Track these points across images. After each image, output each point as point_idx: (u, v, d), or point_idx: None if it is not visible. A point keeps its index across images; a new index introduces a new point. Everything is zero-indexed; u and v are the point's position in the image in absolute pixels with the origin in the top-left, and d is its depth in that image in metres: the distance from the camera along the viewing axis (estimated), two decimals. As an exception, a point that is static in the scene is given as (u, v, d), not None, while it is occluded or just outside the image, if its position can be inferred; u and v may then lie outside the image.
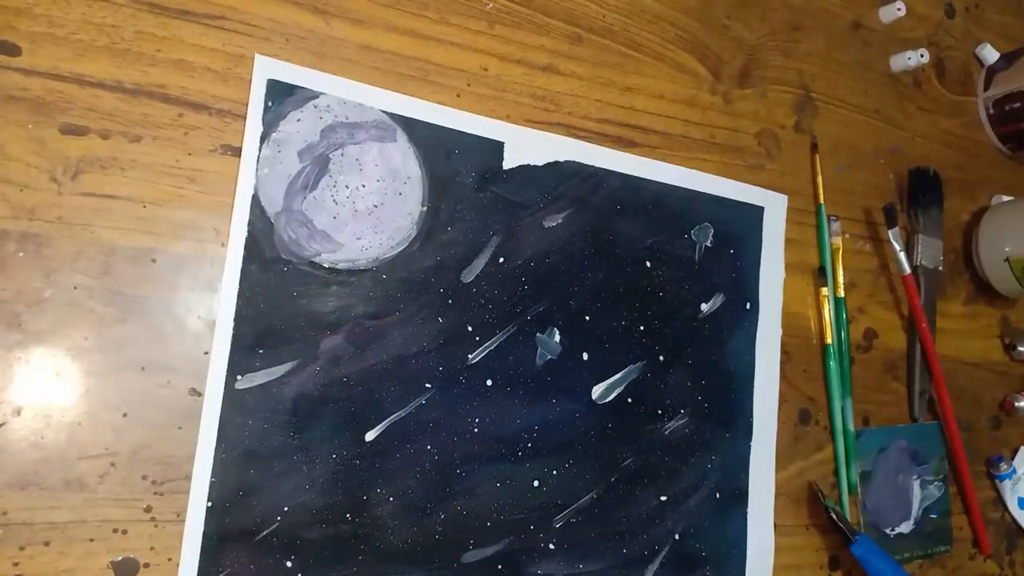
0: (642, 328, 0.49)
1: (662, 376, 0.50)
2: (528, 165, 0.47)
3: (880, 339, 0.61)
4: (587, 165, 0.48)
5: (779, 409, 0.55)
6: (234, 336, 0.38)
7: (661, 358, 0.50)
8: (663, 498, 0.49)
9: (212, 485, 0.37)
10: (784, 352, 0.56)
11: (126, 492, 0.36)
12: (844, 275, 0.58)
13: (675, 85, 0.53)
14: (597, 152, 0.49)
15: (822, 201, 0.58)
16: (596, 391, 0.47)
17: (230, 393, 0.38)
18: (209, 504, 0.37)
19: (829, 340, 0.57)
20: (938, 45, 0.67)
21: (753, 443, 0.53)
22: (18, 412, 0.35)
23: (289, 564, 0.38)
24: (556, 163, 0.48)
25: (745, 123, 0.56)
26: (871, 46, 0.63)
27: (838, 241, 0.58)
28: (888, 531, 0.58)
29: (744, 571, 0.51)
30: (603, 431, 0.47)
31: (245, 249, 0.39)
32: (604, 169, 0.49)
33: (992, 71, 0.69)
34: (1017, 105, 0.67)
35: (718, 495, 0.51)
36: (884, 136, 0.63)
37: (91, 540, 0.35)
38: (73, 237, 0.36)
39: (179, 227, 0.38)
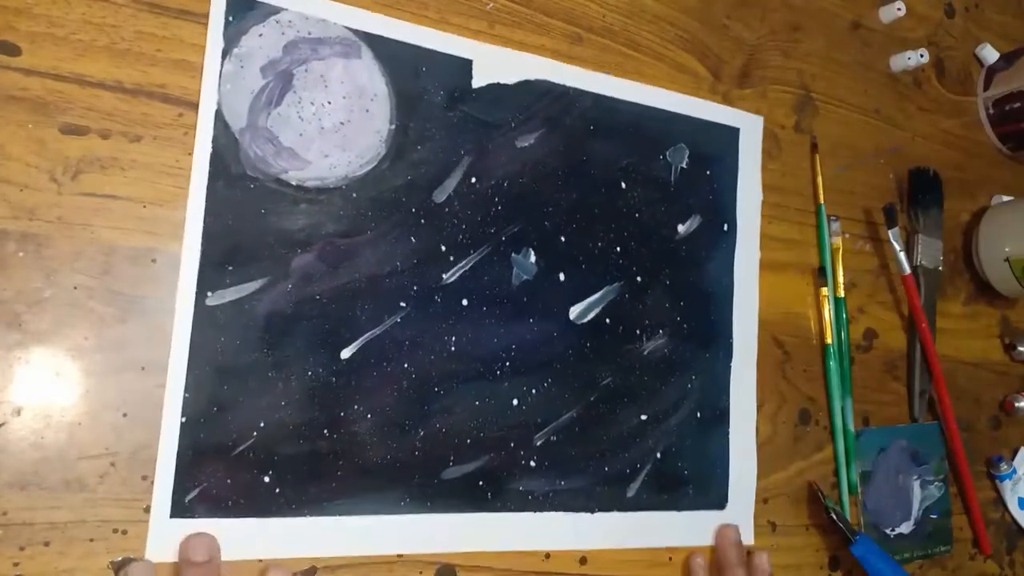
0: (619, 249, 0.49)
1: (640, 297, 0.50)
2: (498, 84, 0.46)
3: (880, 339, 0.61)
4: (559, 84, 0.48)
5: (779, 409, 0.55)
6: (203, 252, 0.38)
7: (639, 279, 0.50)
8: (643, 417, 0.49)
9: (186, 400, 0.37)
10: (784, 352, 0.56)
11: (126, 492, 0.36)
12: (844, 275, 0.58)
13: (675, 85, 0.53)
14: (569, 71, 0.49)
15: (822, 201, 0.58)
16: (573, 311, 0.48)
17: (201, 310, 0.38)
18: (183, 419, 0.37)
19: (829, 340, 0.57)
20: (938, 45, 0.67)
21: (734, 364, 0.53)
22: (18, 412, 0.35)
23: (267, 479, 0.38)
24: (527, 82, 0.47)
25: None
26: (871, 46, 0.63)
27: (838, 241, 0.58)
28: (888, 531, 0.58)
29: (727, 490, 0.52)
30: (581, 351, 0.48)
31: (211, 165, 0.39)
32: (576, 88, 0.49)
33: (992, 71, 0.69)
34: (1017, 105, 0.67)
35: (699, 415, 0.51)
36: (884, 136, 0.63)
37: (91, 540, 0.35)
38: (73, 237, 0.36)
39: (179, 227, 0.38)
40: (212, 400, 0.38)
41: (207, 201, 0.38)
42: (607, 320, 0.49)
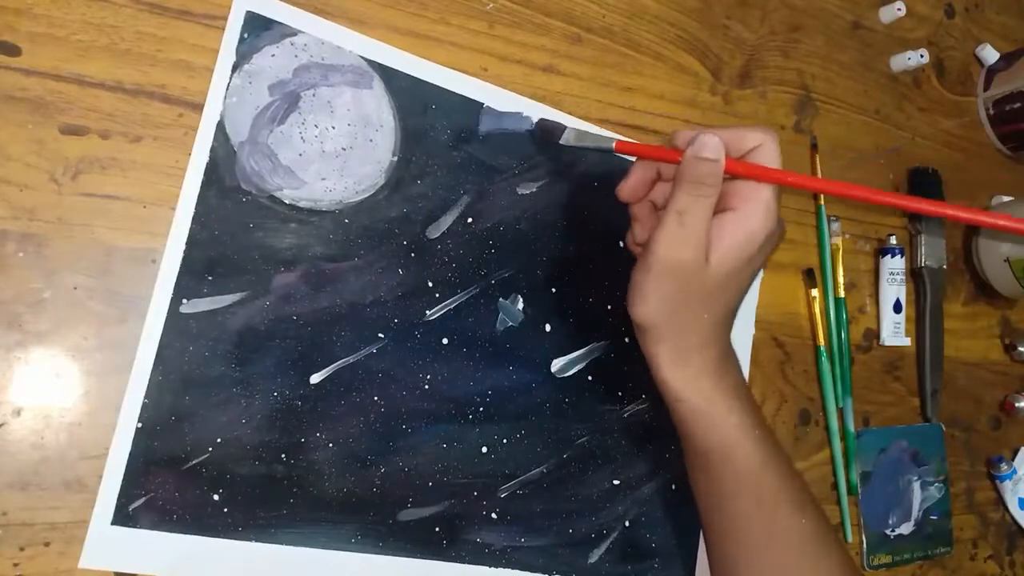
0: (609, 307, 0.49)
1: (626, 358, 0.49)
2: (507, 129, 0.46)
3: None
4: None
5: (779, 409, 0.55)
6: (184, 258, 0.38)
7: (626, 340, 0.49)
8: (616, 482, 0.48)
9: (144, 406, 0.36)
10: (784, 352, 0.56)
11: (126, 492, 0.36)
12: (844, 275, 0.58)
13: (675, 85, 0.53)
14: (579, 125, 0.49)
15: (822, 202, 0.58)
16: (556, 364, 0.47)
17: (174, 316, 0.37)
18: (139, 425, 0.36)
19: (821, 342, 0.57)
20: (938, 45, 0.67)
21: None
22: (18, 412, 0.35)
23: (216, 497, 0.37)
24: (535, 130, 0.47)
25: (745, 123, 0.56)
26: (871, 46, 0.63)
27: (838, 241, 0.58)
28: (888, 532, 0.58)
29: (694, 570, 0.50)
30: (559, 405, 0.47)
31: (205, 174, 0.38)
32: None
33: (992, 71, 0.69)
34: (1017, 105, 0.67)
35: (674, 486, 0.50)
36: (884, 136, 0.63)
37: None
38: (73, 237, 0.36)
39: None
40: (171, 409, 0.37)
41: (196, 208, 0.38)
42: (589, 377, 0.48)
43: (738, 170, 0.36)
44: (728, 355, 0.40)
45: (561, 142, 0.44)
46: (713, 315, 0.38)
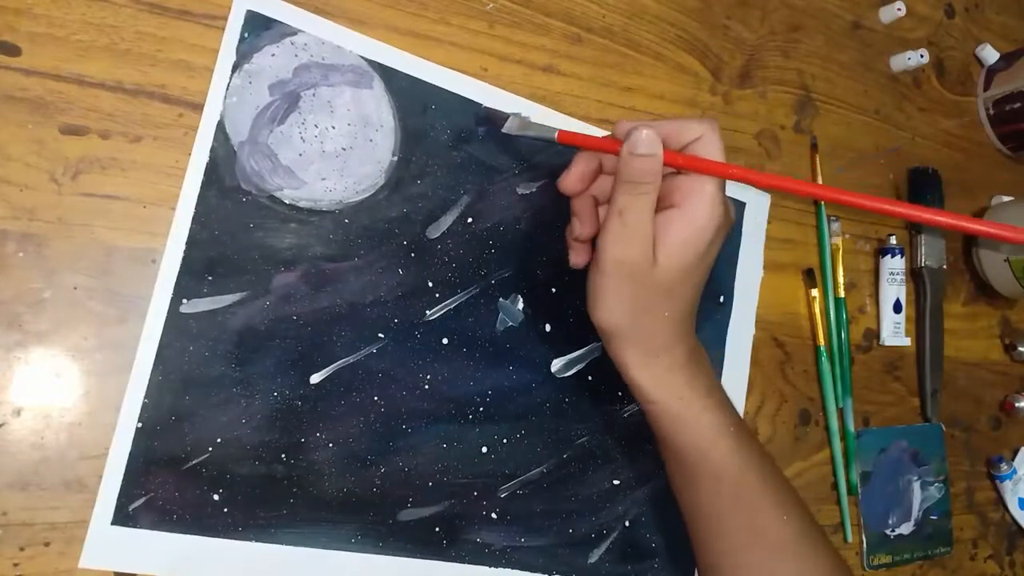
0: None
1: None
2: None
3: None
4: None
5: (779, 409, 0.55)
6: (184, 259, 0.38)
7: None
8: (616, 482, 0.48)
9: (144, 406, 0.36)
10: (784, 352, 0.56)
11: (126, 492, 0.36)
12: (844, 275, 0.58)
13: (675, 85, 0.53)
14: (576, 126, 0.49)
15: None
16: (556, 364, 0.47)
17: (174, 316, 0.37)
18: (139, 425, 0.36)
19: (821, 342, 0.57)
20: (938, 45, 0.67)
21: None
22: (18, 412, 0.35)
23: (216, 497, 0.37)
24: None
25: (745, 123, 0.56)
26: (871, 46, 0.63)
27: (838, 241, 0.58)
28: (888, 532, 0.58)
29: (693, 570, 0.49)
30: (559, 405, 0.47)
31: (205, 174, 0.38)
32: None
33: (992, 71, 0.69)
34: (1017, 105, 0.67)
35: None
36: (884, 136, 0.63)
37: (91, 540, 0.35)
38: (73, 237, 0.36)
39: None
40: (171, 409, 0.37)
41: (196, 209, 0.38)
42: (589, 377, 0.48)
43: (678, 163, 0.35)
44: (696, 353, 0.40)
45: (504, 130, 0.43)
46: (673, 313, 0.37)
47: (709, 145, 0.36)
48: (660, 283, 0.36)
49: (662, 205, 0.36)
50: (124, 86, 0.37)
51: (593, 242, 0.40)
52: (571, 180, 0.40)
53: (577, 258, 0.42)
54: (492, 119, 0.44)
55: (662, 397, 0.38)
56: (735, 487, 0.39)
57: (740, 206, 0.55)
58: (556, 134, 0.40)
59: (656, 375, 0.38)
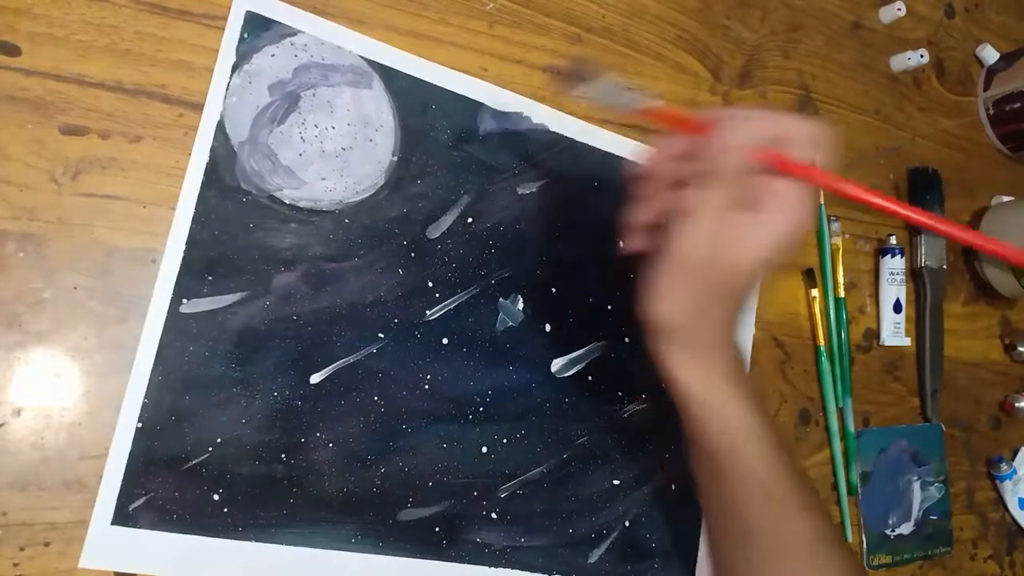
0: (609, 307, 0.49)
1: (626, 358, 0.49)
2: (507, 130, 0.46)
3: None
4: (567, 137, 0.48)
5: (779, 409, 0.55)
6: (184, 259, 0.38)
7: (627, 339, 0.49)
8: (616, 482, 0.48)
9: (144, 406, 0.36)
10: (784, 352, 0.56)
11: (126, 492, 0.36)
12: (844, 275, 0.58)
13: (675, 85, 0.53)
14: (578, 125, 0.49)
15: (822, 202, 0.58)
16: (556, 364, 0.47)
17: (173, 316, 0.37)
18: (139, 425, 0.36)
19: (821, 342, 0.57)
20: (938, 45, 0.67)
21: None
22: (18, 412, 0.35)
23: (216, 497, 0.37)
24: (535, 131, 0.47)
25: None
26: (871, 46, 0.63)
27: (838, 241, 0.58)
28: (888, 532, 0.58)
29: (694, 570, 0.50)
30: (559, 405, 0.47)
31: (205, 174, 0.38)
32: (585, 143, 0.49)
33: (992, 71, 0.69)
34: (1017, 105, 0.67)
35: (674, 486, 0.50)
36: (884, 136, 0.63)
37: (91, 540, 0.35)
38: (73, 237, 0.36)
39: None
40: (171, 409, 0.37)
41: (196, 209, 0.38)
42: (589, 377, 0.48)
43: (770, 162, 0.32)
44: (739, 355, 0.39)
45: (582, 94, 0.37)
46: (728, 315, 0.36)
47: (806, 148, 0.32)
48: (724, 285, 0.34)
49: (748, 203, 0.33)
50: (124, 86, 0.37)
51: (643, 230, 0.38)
52: (658, 160, 0.37)
53: (631, 243, 0.40)
54: (575, 74, 0.37)
55: (707, 398, 0.37)
56: (764, 490, 0.38)
57: None
58: (642, 105, 0.36)
59: (701, 375, 0.37)
